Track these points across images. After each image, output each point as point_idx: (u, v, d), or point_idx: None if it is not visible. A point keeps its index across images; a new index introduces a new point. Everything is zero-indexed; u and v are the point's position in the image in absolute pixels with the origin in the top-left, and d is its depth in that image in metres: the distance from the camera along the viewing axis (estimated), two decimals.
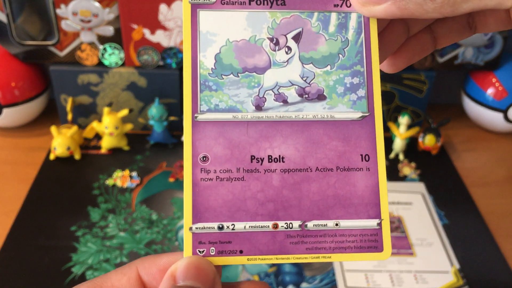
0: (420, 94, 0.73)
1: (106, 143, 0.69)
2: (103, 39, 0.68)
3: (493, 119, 0.74)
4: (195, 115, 0.28)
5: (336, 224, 0.28)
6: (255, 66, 0.28)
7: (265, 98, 0.28)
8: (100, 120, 0.70)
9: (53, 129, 0.67)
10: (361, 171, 0.28)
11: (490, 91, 0.73)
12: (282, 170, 0.28)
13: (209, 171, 0.28)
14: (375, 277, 0.53)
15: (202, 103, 0.28)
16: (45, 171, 0.66)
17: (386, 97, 0.73)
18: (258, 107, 0.28)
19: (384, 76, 0.71)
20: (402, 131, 0.70)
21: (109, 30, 0.67)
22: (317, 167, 0.28)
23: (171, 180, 0.65)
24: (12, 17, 0.66)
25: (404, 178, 0.67)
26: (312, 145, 0.28)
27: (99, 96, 0.71)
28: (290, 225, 0.28)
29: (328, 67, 0.29)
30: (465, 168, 0.70)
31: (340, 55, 0.29)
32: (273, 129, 0.28)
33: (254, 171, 0.28)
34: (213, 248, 0.27)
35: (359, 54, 0.29)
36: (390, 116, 0.75)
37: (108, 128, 0.67)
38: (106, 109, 0.67)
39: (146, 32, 0.67)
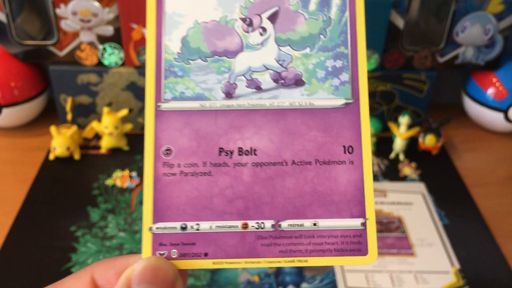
0: (420, 94, 0.73)
1: (105, 143, 0.69)
2: (102, 39, 0.67)
3: (493, 119, 0.74)
4: (158, 104, 0.25)
5: (314, 224, 0.25)
6: (226, 50, 0.26)
7: (236, 84, 0.26)
8: (99, 120, 0.70)
9: (52, 129, 0.67)
10: (343, 165, 0.25)
11: (490, 91, 0.73)
12: (254, 164, 0.25)
13: (172, 165, 0.25)
14: (376, 277, 0.53)
15: (166, 90, 0.25)
16: (44, 171, 0.66)
17: (386, 97, 0.73)
18: (228, 95, 0.25)
19: (384, 76, 0.71)
20: (402, 131, 0.70)
21: (108, 30, 0.67)
22: (293, 160, 0.25)
23: None
24: (12, 16, 0.66)
25: (404, 178, 0.67)
26: (288, 135, 0.25)
27: (99, 96, 0.71)
28: (262, 225, 0.25)
29: (308, 49, 0.26)
30: (465, 168, 0.70)
31: (321, 36, 0.26)
32: (245, 118, 0.25)
33: (223, 165, 0.25)
34: (175, 250, 0.25)
35: (342, 34, 0.26)
36: (391, 116, 0.75)
37: (108, 128, 0.67)
38: (105, 109, 0.67)
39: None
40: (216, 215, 0.25)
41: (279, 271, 0.53)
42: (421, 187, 0.66)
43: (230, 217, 0.25)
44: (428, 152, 0.72)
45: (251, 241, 0.25)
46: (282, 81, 0.26)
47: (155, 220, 0.25)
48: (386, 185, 0.66)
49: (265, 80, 0.26)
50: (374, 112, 0.74)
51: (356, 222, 0.25)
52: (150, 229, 0.25)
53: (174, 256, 0.25)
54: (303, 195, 0.25)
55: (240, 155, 0.25)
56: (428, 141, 0.70)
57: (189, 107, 0.25)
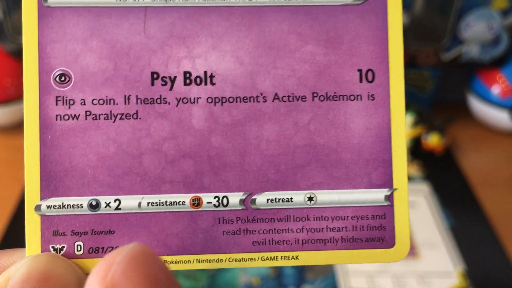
0: (424, 92, 0.72)
1: None
2: None
3: (499, 117, 0.73)
4: None
5: (310, 199, 0.16)
6: None
7: None
8: None
9: None
10: (358, 101, 0.17)
11: (495, 89, 0.72)
12: (210, 100, 0.16)
13: (72, 102, 0.15)
14: (377, 279, 0.52)
15: None
16: None
17: None
18: None
19: None
20: (405, 130, 0.69)
21: None
22: (276, 94, 0.16)
23: None
24: (8, 12, 0.65)
25: (407, 178, 0.66)
26: (268, 52, 0.16)
27: None
28: (224, 200, 0.16)
29: None
30: (470, 167, 0.69)
31: None
32: (195, 22, 0.15)
33: (158, 101, 0.16)
34: (80, 242, 0.16)
35: None
36: None
37: None
38: None
39: None
40: (149, 185, 0.16)
41: (279, 273, 0.52)
42: (424, 187, 0.65)
43: (171, 188, 0.16)
44: (431, 152, 0.71)
45: (206, 226, 0.16)
46: None
47: (45, 194, 0.16)
48: None
49: None
50: None
51: (377, 195, 0.17)
52: (37, 208, 0.16)
53: (79, 253, 0.16)
54: (293, 152, 0.16)
55: (187, 84, 0.16)
56: (432, 140, 0.69)
57: (98, 3, 0.15)
